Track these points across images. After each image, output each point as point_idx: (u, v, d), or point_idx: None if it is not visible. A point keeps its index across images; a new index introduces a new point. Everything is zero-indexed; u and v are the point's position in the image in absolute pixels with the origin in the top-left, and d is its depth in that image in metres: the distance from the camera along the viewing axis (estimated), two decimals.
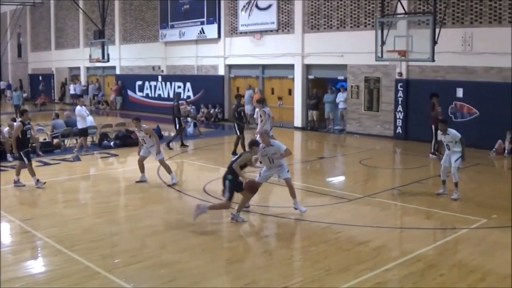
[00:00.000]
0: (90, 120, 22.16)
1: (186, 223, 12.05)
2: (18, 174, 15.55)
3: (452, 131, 13.78)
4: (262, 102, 19.31)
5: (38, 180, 15.41)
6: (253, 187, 12.14)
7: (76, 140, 22.18)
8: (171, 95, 35.64)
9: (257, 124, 18.96)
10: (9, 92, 53.34)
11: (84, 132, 21.26)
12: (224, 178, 11.99)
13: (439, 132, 14.17)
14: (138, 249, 10.33)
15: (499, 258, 9.80)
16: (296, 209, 12.57)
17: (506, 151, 20.00)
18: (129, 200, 14.53)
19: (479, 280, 8.82)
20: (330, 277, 8.97)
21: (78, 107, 21.65)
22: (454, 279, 8.87)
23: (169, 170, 15.92)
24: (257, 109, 19.39)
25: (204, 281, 8.90)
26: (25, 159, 15.26)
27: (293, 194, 12.60)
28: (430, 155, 19.70)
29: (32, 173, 15.42)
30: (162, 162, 16.04)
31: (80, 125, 21.20)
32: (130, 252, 10.16)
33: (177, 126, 22.58)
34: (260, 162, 13.07)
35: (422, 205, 13.24)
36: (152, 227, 11.82)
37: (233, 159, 12.18)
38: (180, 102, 24.12)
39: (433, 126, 19.61)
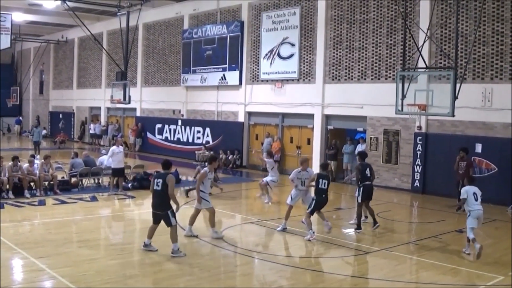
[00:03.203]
0: (109, 161, 22.13)
1: (202, 268, 12.02)
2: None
3: None
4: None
5: (178, 249, 12.91)
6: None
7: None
8: (190, 139, 35.98)
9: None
10: (17, 127, 55.21)
11: (115, 173, 21.59)
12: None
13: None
14: None
15: None
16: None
17: None
18: None
19: None
20: None
21: (113, 147, 22.19)
22: None
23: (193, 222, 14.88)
24: None
25: None
26: (172, 219, 12.93)
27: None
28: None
29: (174, 239, 12.99)
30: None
31: (113, 165, 21.62)
32: None
33: None
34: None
35: (438, 260, 13.06)
36: (167, 271, 11.78)
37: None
38: (198, 147, 24.00)
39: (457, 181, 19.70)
